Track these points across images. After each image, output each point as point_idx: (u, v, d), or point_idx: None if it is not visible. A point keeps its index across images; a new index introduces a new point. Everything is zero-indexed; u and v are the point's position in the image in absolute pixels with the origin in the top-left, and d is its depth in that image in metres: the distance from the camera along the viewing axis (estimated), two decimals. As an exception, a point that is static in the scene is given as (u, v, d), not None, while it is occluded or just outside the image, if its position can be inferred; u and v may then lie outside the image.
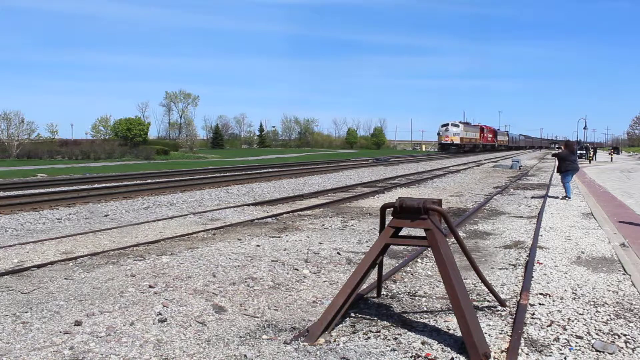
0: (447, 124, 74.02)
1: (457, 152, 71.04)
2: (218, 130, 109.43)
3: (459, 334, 4.30)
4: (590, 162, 44.09)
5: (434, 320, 4.91)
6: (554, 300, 5.48)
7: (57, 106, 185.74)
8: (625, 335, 4.54)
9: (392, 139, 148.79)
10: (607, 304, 5.40)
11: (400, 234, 4.86)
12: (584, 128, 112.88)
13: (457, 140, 72.52)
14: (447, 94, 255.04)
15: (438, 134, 76.69)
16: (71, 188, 17.06)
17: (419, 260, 7.35)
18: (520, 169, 33.44)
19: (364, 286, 5.44)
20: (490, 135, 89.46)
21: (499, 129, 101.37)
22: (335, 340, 4.39)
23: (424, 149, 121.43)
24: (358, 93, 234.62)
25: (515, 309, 5.17)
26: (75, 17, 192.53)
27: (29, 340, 4.29)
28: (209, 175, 24.07)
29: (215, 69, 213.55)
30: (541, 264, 7.10)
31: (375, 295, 5.59)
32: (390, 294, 5.74)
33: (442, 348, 4.23)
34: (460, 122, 75.19)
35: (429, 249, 5.01)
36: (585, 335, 4.52)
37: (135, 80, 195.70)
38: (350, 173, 27.43)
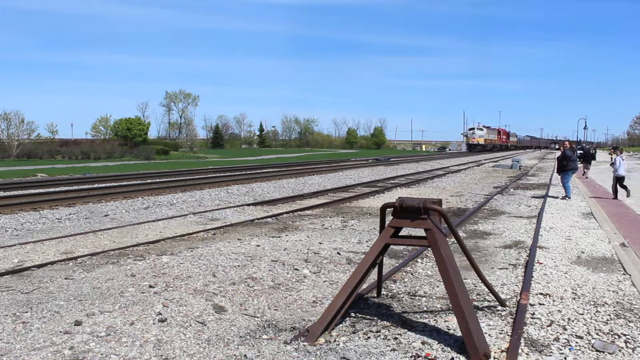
0: (474, 128, 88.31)
1: (482, 150, 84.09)
2: (218, 130, 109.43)
3: (459, 334, 4.30)
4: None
5: (434, 320, 4.91)
6: (554, 300, 5.48)
7: (57, 106, 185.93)
8: (625, 335, 4.54)
9: (392, 139, 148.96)
10: (607, 303, 5.40)
11: (400, 233, 4.86)
12: (584, 128, 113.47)
13: (482, 142, 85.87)
14: (447, 94, 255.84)
15: (465, 135, 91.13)
16: (71, 188, 17.06)
17: (419, 260, 7.35)
18: (520, 168, 33.43)
19: (364, 286, 5.44)
20: (505, 137, 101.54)
21: (509, 131, 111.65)
22: (335, 340, 4.39)
23: (424, 149, 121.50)
24: (358, 93, 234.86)
25: (515, 309, 5.17)
26: (76, 17, 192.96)
27: (29, 340, 4.29)
28: (209, 175, 24.07)
29: (215, 69, 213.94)
30: (541, 263, 7.10)
31: (375, 295, 5.59)
32: (390, 294, 5.74)
33: (442, 348, 4.23)
34: (484, 126, 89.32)
35: (429, 249, 5.01)
36: (585, 335, 4.52)
37: (135, 80, 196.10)
38: (350, 173, 27.43)
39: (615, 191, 15.28)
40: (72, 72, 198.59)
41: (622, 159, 15.02)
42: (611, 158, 50.51)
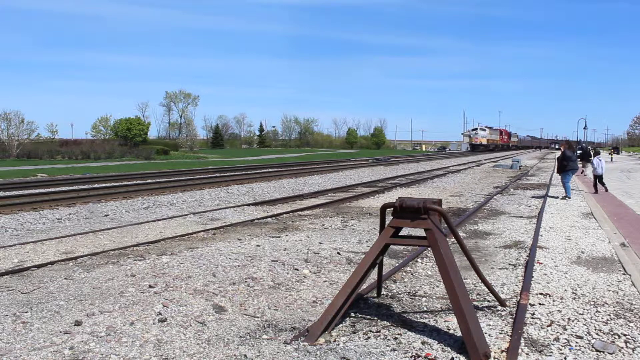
0: (477, 129, 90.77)
1: (484, 150, 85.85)
2: (218, 130, 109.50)
3: (459, 334, 4.30)
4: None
5: (434, 320, 4.91)
6: (554, 300, 5.48)
7: (57, 106, 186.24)
8: (625, 335, 4.54)
9: (392, 139, 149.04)
10: (607, 303, 5.40)
11: (400, 233, 4.86)
12: (584, 128, 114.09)
13: (484, 142, 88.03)
14: (447, 94, 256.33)
15: (468, 136, 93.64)
16: (71, 188, 17.06)
17: (419, 260, 7.35)
18: (520, 168, 33.41)
19: (364, 286, 5.44)
20: (506, 137, 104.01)
21: (511, 132, 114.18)
22: (335, 340, 4.39)
23: (424, 149, 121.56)
24: (358, 93, 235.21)
25: (515, 309, 5.16)
26: (75, 17, 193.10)
27: (29, 340, 4.29)
28: (209, 175, 24.07)
29: (215, 69, 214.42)
30: (541, 263, 7.10)
31: (375, 295, 5.59)
32: (390, 294, 5.74)
33: (442, 348, 4.23)
34: (486, 127, 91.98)
35: (429, 249, 5.01)
36: (585, 335, 4.52)
37: (135, 80, 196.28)
38: (350, 173, 27.43)
39: (595, 187, 17.08)
40: (72, 72, 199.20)
41: (600, 160, 16.98)
42: (611, 158, 50.56)
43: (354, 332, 4.59)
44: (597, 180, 17.07)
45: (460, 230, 9.86)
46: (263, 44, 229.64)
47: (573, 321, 4.85)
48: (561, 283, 6.16)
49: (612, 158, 51.82)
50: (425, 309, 5.27)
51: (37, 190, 16.62)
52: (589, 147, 43.58)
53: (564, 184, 15.48)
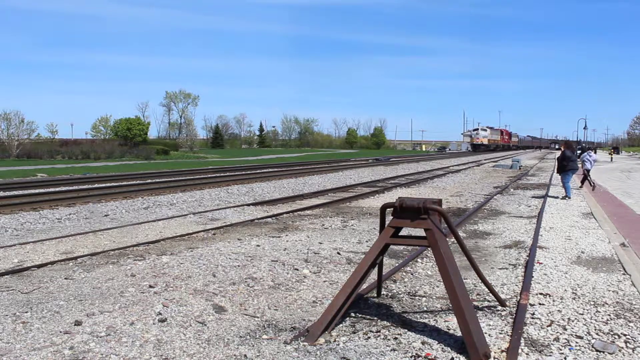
0: (478, 129, 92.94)
1: (485, 150, 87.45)
2: (218, 130, 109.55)
3: (459, 333, 4.30)
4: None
5: (434, 320, 4.91)
6: (554, 300, 5.48)
7: (57, 106, 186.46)
8: (625, 335, 4.54)
9: (392, 139, 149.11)
10: (607, 303, 5.40)
11: (400, 233, 4.86)
12: (584, 128, 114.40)
13: (485, 142, 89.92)
14: (447, 94, 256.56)
15: (469, 136, 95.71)
16: (71, 188, 17.06)
17: (419, 260, 7.35)
18: (520, 168, 33.41)
19: (364, 286, 5.44)
20: (507, 137, 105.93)
21: (511, 132, 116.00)
22: (335, 340, 4.39)
23: (424, 149, 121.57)
24: (358, 93, 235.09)
25: (515, 309, 5.17)
26: (75, 17, 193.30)
27: (29, 340, 4.29)
28: (209, 175, 24.06)
29: (215, 69, 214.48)
30: (541, 263, 7.10)
31: (375, 295, 5.59)
32: (390, 294, 5.74)
33: (442, 348, 4.23)
34: (487, 127, 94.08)
35: (429, 249, 5.01)
36: (585, 335, 4.52)
37: (135, 80, 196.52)
38: (350, 173, 27.43)
39: (592, 184, 17.90)
40: (72, 72, 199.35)
41: (590, 155, 17.97)
42: (611, 158, 50.57)
43: (354, 332, 4.59)
44: (586, 176, 17.83)
45: (460, 230, 9.86)
46: (263, 44, 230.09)
47: (573, 321, 4.85)
48: (561, 283, 6.16)
49: (612, 158, 51.78)
50: (425, 309, 5.27)
51: (37, 190, 16.62)
52: (588, 147, 44.03)
53: (564, 184, 15.49)
